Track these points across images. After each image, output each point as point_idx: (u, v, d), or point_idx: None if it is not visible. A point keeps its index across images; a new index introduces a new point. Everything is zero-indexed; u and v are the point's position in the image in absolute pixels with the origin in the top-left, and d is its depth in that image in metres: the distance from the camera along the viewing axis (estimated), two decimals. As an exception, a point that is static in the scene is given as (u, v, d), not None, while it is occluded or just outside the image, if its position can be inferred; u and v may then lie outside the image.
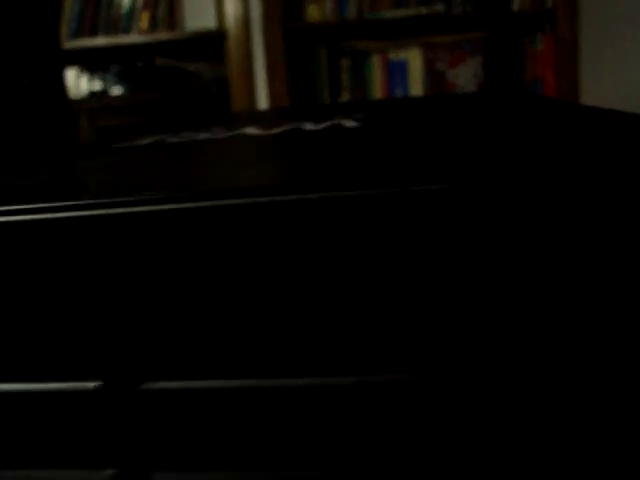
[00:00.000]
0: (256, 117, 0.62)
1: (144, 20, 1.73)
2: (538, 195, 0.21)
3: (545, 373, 0.22)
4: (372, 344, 0.22)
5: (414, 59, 1.69)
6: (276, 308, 0.23)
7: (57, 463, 0.25)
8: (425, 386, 0.22)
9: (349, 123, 0.40)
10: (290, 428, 0.23)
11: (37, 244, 0.23)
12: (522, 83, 1.69)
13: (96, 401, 0.24)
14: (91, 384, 0.24)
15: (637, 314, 0.21)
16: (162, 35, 1.71)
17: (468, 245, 0.21)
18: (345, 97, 1.72)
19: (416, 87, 1.69)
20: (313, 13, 1.68)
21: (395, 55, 1.69)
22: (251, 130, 0.40)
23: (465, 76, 1.70)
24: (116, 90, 1.77)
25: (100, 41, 1.72)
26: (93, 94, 1.77)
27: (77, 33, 1.70)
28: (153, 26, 1.73)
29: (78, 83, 1.77)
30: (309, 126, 0.41)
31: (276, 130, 0.39)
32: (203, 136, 0.41)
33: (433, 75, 1.69)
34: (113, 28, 1.74)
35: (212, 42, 1.70)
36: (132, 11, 1.74)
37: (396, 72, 1.69)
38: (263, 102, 1.67)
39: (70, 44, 1.68)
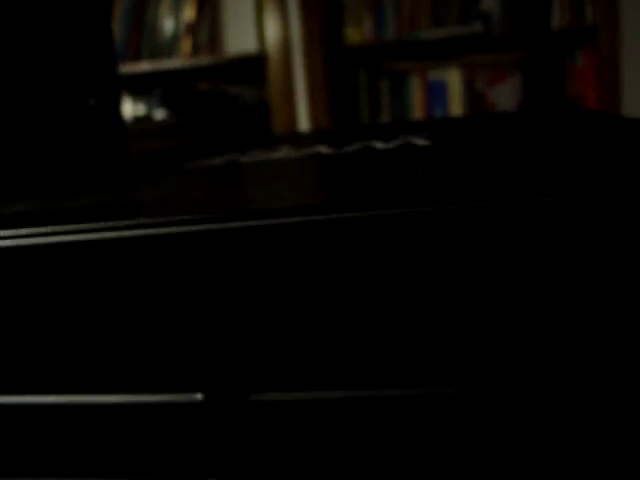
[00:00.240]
0: (307, 137, 0.62)
1: (186, 45, 1.77)
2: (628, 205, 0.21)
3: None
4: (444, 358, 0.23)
5: (453, 79, 1.69)
6: (373, 319, 0.23)
7: (158, 475, 0.26)
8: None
9: (420, 141, 0.41)
10: (392, 441, 0.24)
11: (158, 257, 0.24)
12: (563, 101, 1.68)
13: (199, 413, 0.25)
14: (196, 396, 0.25)
15: None
16: (204, 59, 1.74)
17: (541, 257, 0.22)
18: (385, 118, 1.73)
19: (455, 107, 1.70)
20: (352, 35, 1.69)
21: (434, 75, 1.70)
22: (323, 149, 0.41)
23: (505, 95, 1.69)
24: (159, 114, 1.81)
25: (144, 66, 1.76)
26: (137, 118, 1.81)
27: (122, 58, 1.74)
28: (195, 51, 1.76)
29: (122, 107, 1.81)
30: (380, 145, 0.41)
31: (348, 149, 0.40)
32: (275, 155, 0.42)
33: (472, 95, 1.69)
34: (156, 53, 1.77)
35: (253, 65, 1.73)
36: (175, 36, 1.77)
37: (435, 92, 1.70)
38: (304, 124, 1.69)
39: (115, 69, 1.72)
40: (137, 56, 1.78)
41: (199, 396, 0.25)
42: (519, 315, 0.22)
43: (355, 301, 0.23)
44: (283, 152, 0.43)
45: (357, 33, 1.69)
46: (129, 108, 1.81)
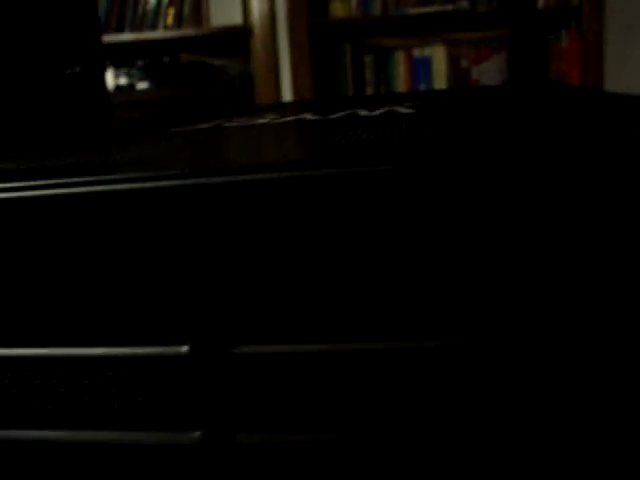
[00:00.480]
0: (296, 106, 0.63)
1: (170, 16, 1.75)
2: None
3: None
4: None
5: (438, 56, 1.69)
6: (381, 279, 0.24)
7: (145, 425, 0.26)
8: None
9: (403, 110, 0.41)
10: (376, 392, 0.24)
11: (154, 211, 0.24)
12: (546, 79, 1.69)
13: (185, 365, 0.25)
14: (182, 348, 0.25)
15: None
16: (188, 31, 1.73)
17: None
18: (369, 93, 1.73)
19: (440, 83, 1.70)
20: (338, 9, 1.69)
21: (419, 52, 1.70)
22: (309, 116, 0.41)
23: (489, 73, 1.70)
24: (142, 85, 1.79)
25: (126, 37, 1.74)
26: (119, 88, 1.79)
27: (104, 29, 1.72)
28: (179, 22, 1.75)
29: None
30: (364, 112, 0.42)
31: (334, 116, 0.40)
32: (261, 121, 0.42)
33: (457, 72, 1.70)
34: (139, 24, 1.76)
35: (237, 38, 1.72)
36: (158, 7, 1.75)
37: (420, 68, 1.70)
38: (287, 97, 1.68)
39: (97, 39, 1.70)
40: (120, 27, 1.76)
41: (185, 348, 0.25)
42: (513, 267, 0.23)
43: (340, 253, 0.23)
44: (268, 118, 0.44)
45: (343, 8, 1.69)
46: (111, 79, 1.79)
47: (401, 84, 1.71)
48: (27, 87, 0.48)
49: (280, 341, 0.24)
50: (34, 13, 0.50)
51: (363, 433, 0.25)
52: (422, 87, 1.70)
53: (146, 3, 1.76)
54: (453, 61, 1.69)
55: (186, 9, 1.75)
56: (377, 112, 0.41)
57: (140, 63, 1.80)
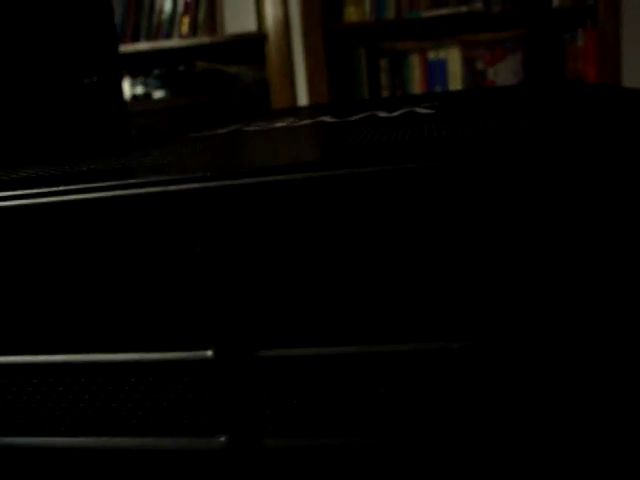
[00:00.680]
0: (312, 110, 0.62)
1: (185, 24, 1.76)
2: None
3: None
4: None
5: (453, 58, 1.69)
6: (395, 279, 0.23)
7: (170, 431, 0.26)
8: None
9: (422, 110, 0.41)
10: (403, 394, 0.24)
11: (186, 213, 0.24)
12: (563, 79, 1.68)
13: (209, 370, 0.25)
14: (206, 353, 0.25)
15: None
16: (203, 39, 1.73)
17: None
18: (384, 96, 1.73)
19: (455, 85, 1.69)
20: (352, 14, 1.68)
21: (434, 54, 1.69)
22: (327, 119, 0.41)
23: (505, 74, 1.69)
24: (158, 93, 1.80)
25: (142, 46, 1.75)
26: (135, 98, 1.80)
27: (120, 39, 1.73)
28: (194, 30, 1.75)
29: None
30: (383, 114, 0.41)
31: (353, 118, 0.40)
32: (279, 125, 0.42)
33: (473, 73, 1.69)
34: (155, 33, 1.76)
35: (252, 45, 1.72)
36: (173, 16, 1.76)
37: (435, 71, 1.69)
38: (303, 102, 1.68)
39: (113, 49, 1.71)
40: (135, 36, 1.77)
41: (209, 353, 0.25)
42: (522, 268, 0.23)
43: (359, 257, 0.23)
44: (287, 122, 0.44)
45: (357, 12, 1.68)
46: (128, 89, 1.80)
47: (416, 87, 1.71)
48: (46, 97, 0.49)
49: (305, 344, 0.24)
50: (53, 25, 0.50)
51: (391, 436, 0.24)
52: (437, 89, 1.70)
53: (161, 12, 1.77)
54: (468, 63, 1.69)
55: (201, 17, 1.75)
56: (396, 113, 0.40)
57: (156, 72, 1.81)
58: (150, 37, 1.77)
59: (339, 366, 0.24)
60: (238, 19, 1.73)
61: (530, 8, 1.63)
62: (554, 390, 0.23)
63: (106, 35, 0.59)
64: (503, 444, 0.24)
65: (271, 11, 1.66)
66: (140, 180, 0.23)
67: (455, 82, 1.69)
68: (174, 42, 1.75)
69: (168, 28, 1.77)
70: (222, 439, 0.26)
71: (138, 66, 1.82)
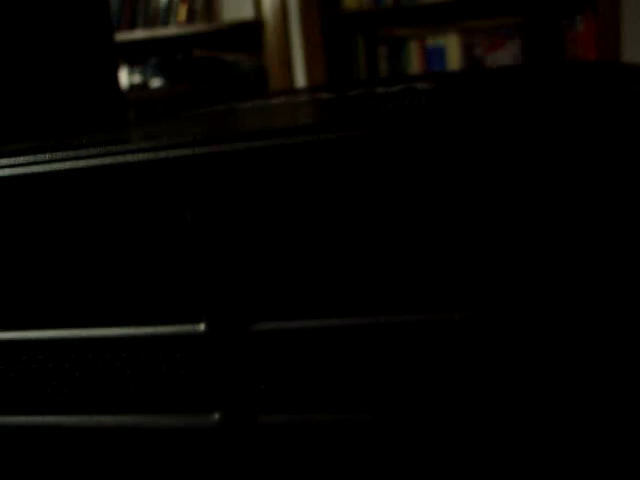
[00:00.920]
0: (314, 89, 0.62)
1: (182, 12, 1.74)
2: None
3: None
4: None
5: (452, 45, 1.68)
6: (393, 245, 0.23)
7: (162, 408, 0.26)
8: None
9: (421, 86, 0.40)
10: (396, 367, 0.23)
11: (194, 178, 0.23)
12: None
13: (202, 344, 0.25)
14: (198, 327, 0.24)
15: None
16: (200, 27, 1.72)
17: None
18: (383, 84, 1.72)
19: (454, 73, 1.68)
20: (350, 0, 1.67)
21: (433, 41, 1.68)
22: (324, 95, 0.40)
23: (504, 60, 1.68)
24: (155, 82, 1.79)
25: (139, 34, 1.73)
26: (132, 86, 1.79)
27: (116, 27, 1.72)
28: (191, 18, 1.74)
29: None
30: (381, 90, 0.41)
31: (351, 93, 0.39)
32: (275, 102, 0.41)
33: (471, 60, 1.68)
34: (152, 21, 1.75)
35: (250, 32, 1.71)
36: (170, 3, 1.75)
37: (434, 58, 1.68)
38: (301, 91, 1.67)
39: (110, 37, 1.70)
40: (132, 24, 1.76)
41: (202, 327, 0.24)
42: (521, 238, 0.22)
43: (356, 225, 0.23)
44: (283, 99, 0.43)
45: (355, -1, 1.67)
46: (125, 77, 1.79)
47: (415, 73, 1.70)
48: (42, 87, 0.48)
49: (301, 316, 0.24)
50: (47, 14, 0.50)
51: (390, 411, 0.24)
52: (436, 77, 1.69)
53: (158, 0, 1.76)
54: (467, 50, 1.67)
55: (198, 5, 1.74)
56: (395, 89, 0.40)
57: (153, 60, 1.80)
58: (147, 25, 1.76)
59: (336, 339, 0.24)
60: (235, 6, 1.72)
61: (529, -6, 1.62)
62: (555, 363, 0.23)
63: (101, 24, 0.58)
64: (504, 418, 0.23)
65: (268, -2, 1.65)
66: (128, 147, 0.22)
67: (454, 68, 1.68)
68: (171, 30, 1.74)
69: (165, 16, 1.76)
70: (216, 416, 0.25)
71: (135, 55, 1.80)
